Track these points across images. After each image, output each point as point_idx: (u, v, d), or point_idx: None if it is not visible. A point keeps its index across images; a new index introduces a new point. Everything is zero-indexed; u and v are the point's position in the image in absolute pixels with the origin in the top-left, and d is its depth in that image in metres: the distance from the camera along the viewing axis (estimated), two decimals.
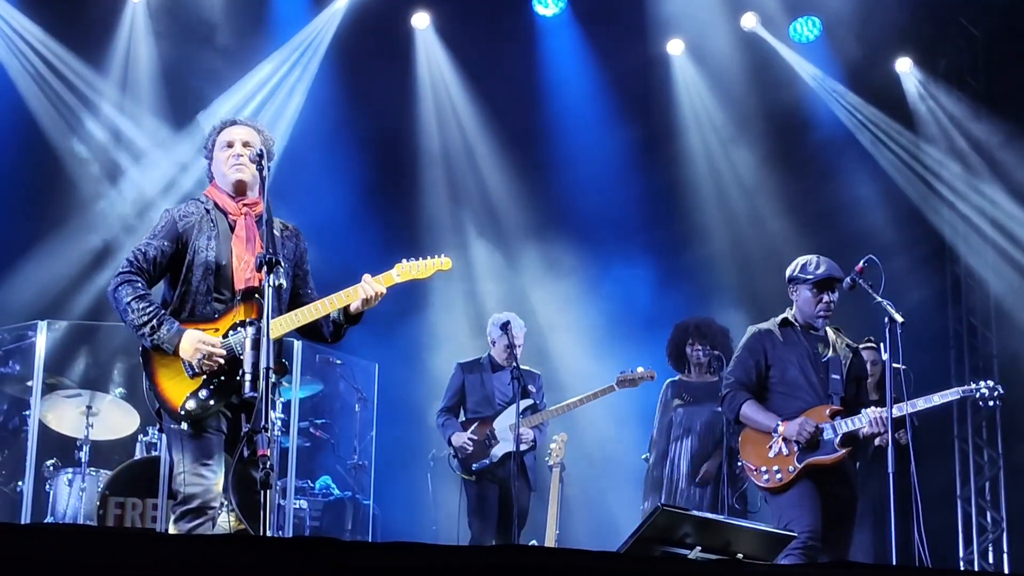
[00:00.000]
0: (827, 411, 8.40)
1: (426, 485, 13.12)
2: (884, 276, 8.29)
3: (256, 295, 6.63)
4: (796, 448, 8.35)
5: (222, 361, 6.61)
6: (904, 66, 14.62)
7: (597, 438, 13.24)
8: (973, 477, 13.99)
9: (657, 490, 11.27)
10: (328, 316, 6.95)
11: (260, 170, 6.78)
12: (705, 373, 11.34)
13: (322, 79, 14.07)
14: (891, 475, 8.00)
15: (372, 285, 6.88)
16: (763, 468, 8.47)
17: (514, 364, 10.54)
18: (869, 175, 14.38)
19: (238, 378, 6.40)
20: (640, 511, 11.63)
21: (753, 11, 14.25)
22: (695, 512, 7.11)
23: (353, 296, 6.87)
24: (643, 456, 11.66)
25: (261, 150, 6.83)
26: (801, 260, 8.73)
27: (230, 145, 7.02)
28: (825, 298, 8.58)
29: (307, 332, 7.05)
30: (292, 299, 7.04)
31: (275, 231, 6.88)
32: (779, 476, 8.39)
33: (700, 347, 11.33)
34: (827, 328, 8.72)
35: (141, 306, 6.62)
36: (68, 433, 11.12)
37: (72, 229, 13.17)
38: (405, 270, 7.05)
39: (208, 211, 6.92)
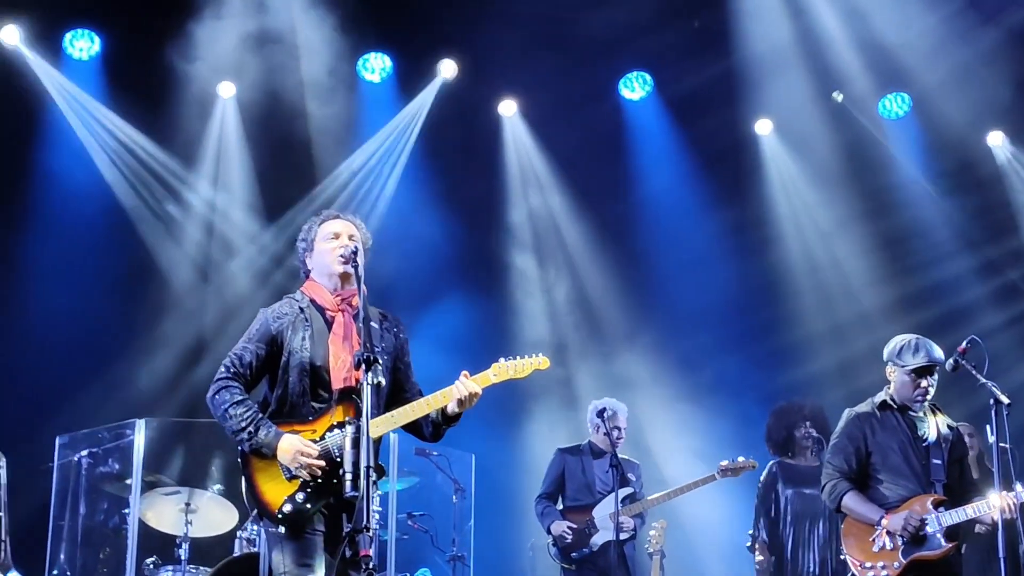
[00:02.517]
0: (930, 501, 8.19)
1: (526, 575, 13.02)
2: (987, 356, 8.11)
3: (354, 395, 6.54)
4: (901, 543, 8.16)
5: (319, 472, 6.57)
6: (996, 140, 14.49)
7: (697, 525, 13.07)
8: None
9: None
10: (427, 415, 6.86)
11: (356, 267, 6.74)
12: (811, 457, 11.18)
13: (411, 170, 14.15)
14: (1003, 560, 7.80)
15: (468, 386, 6.77)
16: (868, 564, 8.25)
17: (613, 451, 10.42)
18: (965, 250, 14.21)
19: (335, 480, 6.41)
20: None
21: (841, 88, 14.18)
22: None
23: (449, 397, 6.78)
24: (749, 531, 11.49)
25: (357, 247, 6.85)
26: (899, 342, 8.48)
27: (336, 236, 6.97)
28: (923, 383, 8.36)
29: (408, 427, 6.97)
30: (393, 393, 6.97)
31: (373, 323, 6.82)
32: (885, 573, 8.19)
33: (811, 430, 11.18)
34: (926, 406, 8.54)
35: (239, 412, 6.64)
36: (167, 530, 11.10)
37: (167, 326, 13.28)
38: (502, 370, 6.93)
39: (303, 309, 6.88)
